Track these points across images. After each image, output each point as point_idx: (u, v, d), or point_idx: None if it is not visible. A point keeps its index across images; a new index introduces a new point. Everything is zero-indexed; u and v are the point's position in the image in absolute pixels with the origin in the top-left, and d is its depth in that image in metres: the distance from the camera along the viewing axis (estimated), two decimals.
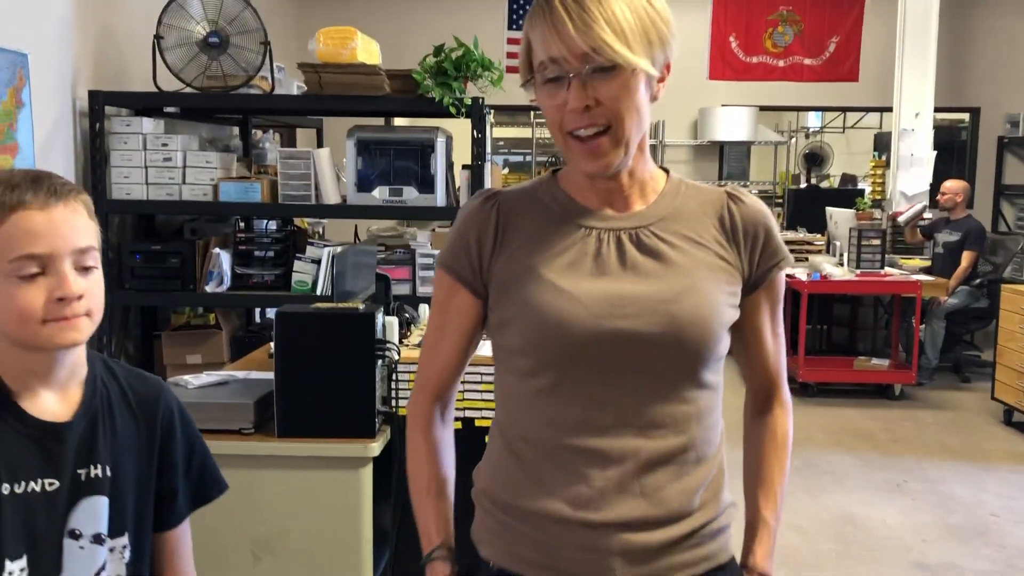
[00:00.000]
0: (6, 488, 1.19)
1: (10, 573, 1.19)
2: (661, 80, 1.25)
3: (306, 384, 2.38)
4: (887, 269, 6.50)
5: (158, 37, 4.25)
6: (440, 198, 4.25)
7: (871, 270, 6.37)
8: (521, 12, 7.80)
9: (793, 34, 8.17)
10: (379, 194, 4.24)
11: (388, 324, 2.55)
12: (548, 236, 1.29)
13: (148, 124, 4.30)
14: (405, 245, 4.52)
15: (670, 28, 1.24)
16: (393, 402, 2.54)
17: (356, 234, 4.93)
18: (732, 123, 8.00)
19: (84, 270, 1.22)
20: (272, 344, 3.34)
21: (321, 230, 5.41)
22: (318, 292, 4.26)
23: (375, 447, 2.42)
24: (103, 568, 1.27)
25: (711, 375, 1.28)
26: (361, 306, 2.44)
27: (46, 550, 1.22)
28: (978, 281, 6.82)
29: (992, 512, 4.27)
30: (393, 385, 2.54)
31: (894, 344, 6.76)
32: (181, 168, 4.28)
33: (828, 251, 7.12)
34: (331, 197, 4.33)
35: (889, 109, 7.59)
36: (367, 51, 4.22)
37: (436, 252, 4.28)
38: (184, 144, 4.32)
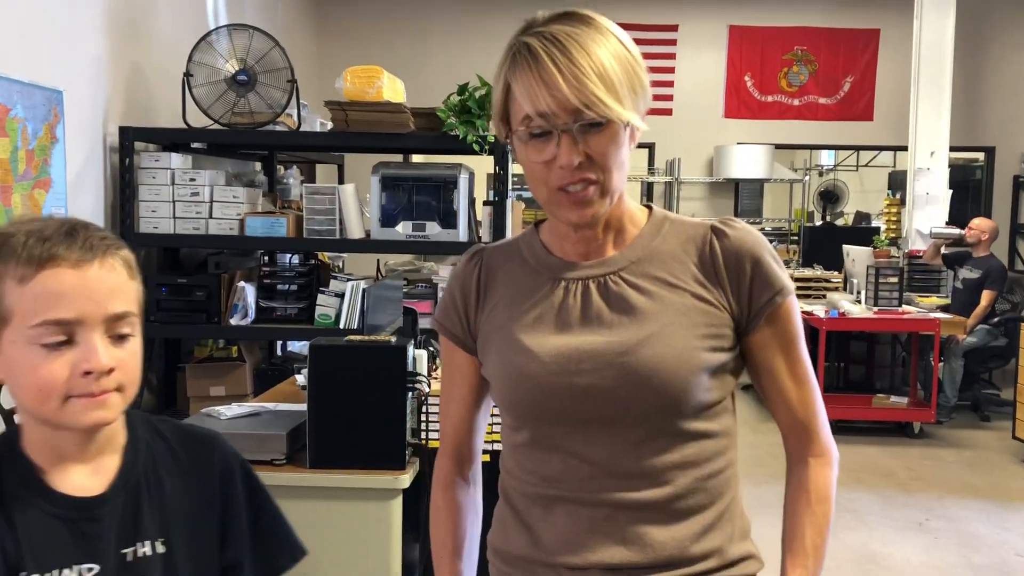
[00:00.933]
0: None
1: None
2: (634, 140, 1.22)
3: (338, 415, 2.41)
4: (905, 307, 6.51)
5: (187, 75, 4.34)
6: (463, 233, 4.30)
7: (889, 308, 6.38)
8: None
9: (808, 73, 8.25)
10: (402, 229, 4.29)
11: (418, 357, 2.58)
12: (522, 290, 1.28)
13: (176, 159, 4.38)
14: (427, 279, 4.57)
15: (646, 73, 1.21)
16: (423, 434, 2.57)
17: (379, 268, 4.98)
18: (747, 161, 8.06)
19: (118, 339, 1.06)
20: (297, 376, 3.39)
21: (341, 264, 5.47)
22: (341, 325, 4.30)
23: (405, 479, 2.44)
24: None
25: (698, 423, 1.22)
26: (393, 339, 2.48)
27: None
28: (996, 320, 6.81)
29: (1017, 552, 4.24)
30: (423, 417, 2.57)
31: (912, 382, 6.75)
32: (208, 203, 4.35)
33: (845, 288, 7.14)
34: (355, 232, 4.39)
35: (903, 148, 7.64)
36: (392, 89, 4.30)
37: None
38: (211, 179, 4.39)
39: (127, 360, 1.07)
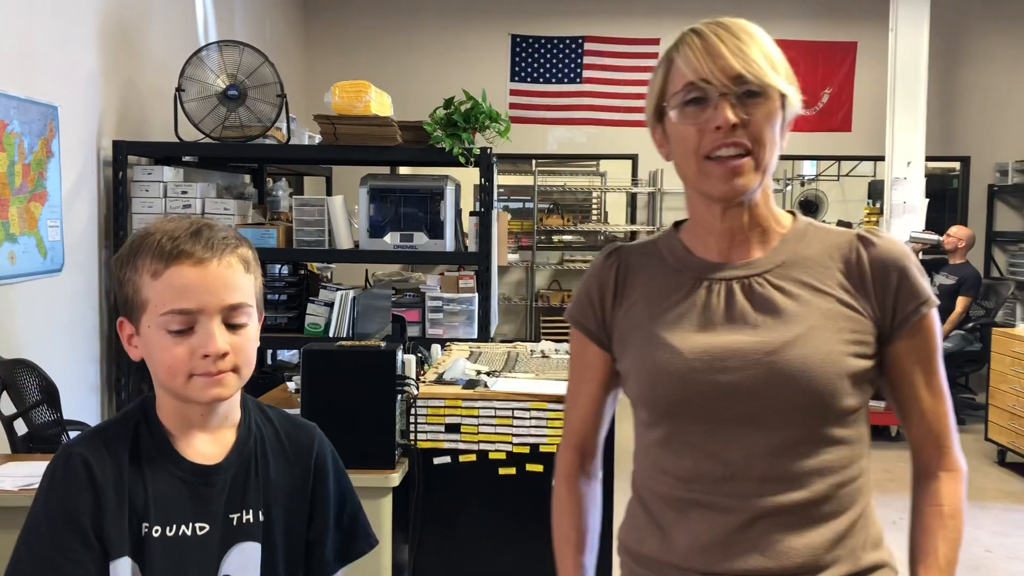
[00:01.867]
0: (157, 531, 1.19)
1: None
2: (787, 128, 1.25)
3: (330, 417, 2.50)
4: None
5: (179, 90, 4.45)
6: (449, 243, 4.43)
7: None
8: (523, 65, 8.05)
9: None
10: (391, 239, 4.41)
11: (406, 361, 2.69)
12: (662, 289, 1.29)
13: (168, 172, 4.48)
14: (414, 289, 4.68)
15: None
16: (412, 435, 2.67)
17: (367, 278, 5.09)
18: None
19: (234, 326, 1.21)
20: (288, 383, 3.50)
21: (330, 274, 5.57)
22: (331, 334, 4.40)
23: (395, 477, 2.55)
24: None
25: (839, 430, 1.23)
26: (382, 344, 2.59)
27: None
28: (971, 325, 6.98)
29: (986, 548, 4.39)
30: (411, 419, 2.68)
31: None
32: (200, 215, 4.45)
33: None
34: (344, 242, 4.50)
35: (881, 158, 7.79)
36: (380, 103, 4.42)
37: (446, 295, 4.44)
38: (203, 192, 4.49)
39: (242, 345, 1.21)
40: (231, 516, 1.24)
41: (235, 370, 1.21)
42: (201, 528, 1.22)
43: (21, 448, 3.07)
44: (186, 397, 1.21)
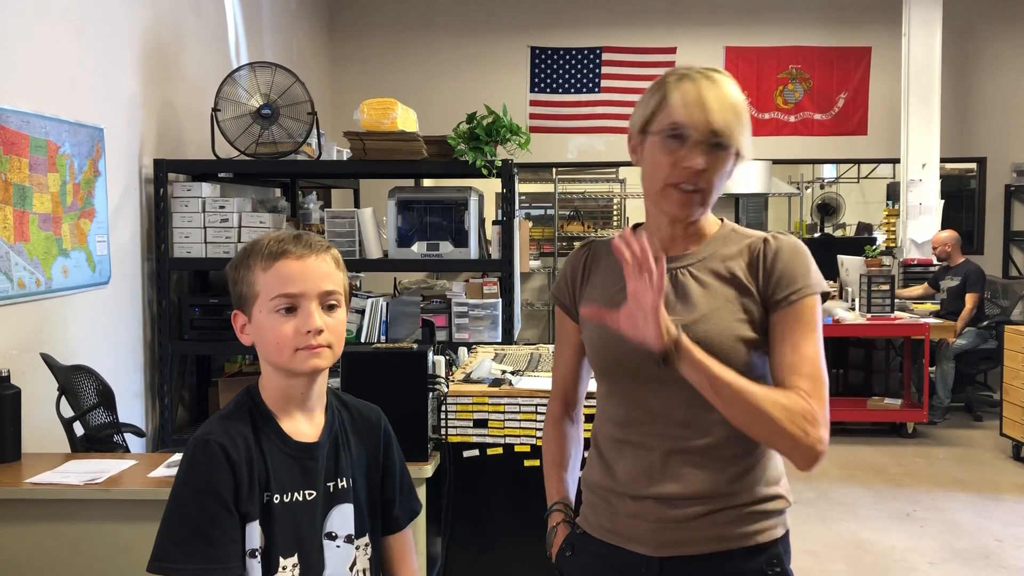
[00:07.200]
0: (277, 498, 1.44)
1: (284, 568, 1.44)
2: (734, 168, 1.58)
3: None
4: (897, 313, 6.78)
5: (215, 109, 4.68)
6: (474, 251, 4.63)
7: (881, 314, 6.66)
8: (542, 76, 8.25)
9: (803, 91, 8.55)
10: (418, 249, 4.62)
11: (437, 362, 2.90)
12: (614, 276, 1.62)
13: (207, 188, 4.71)
14: (441, 295, 4.88)
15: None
16: (443, 430, 2.87)
17: (396, 286, 5.30)
18: (747, 176, 8.36)
19: (328, 309, 1.47)
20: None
21: (359, 283, 5.79)
22: (362, 340, 4.61)
23: (428, 468, 2.75)
24: (354, 563, 1.52)
25: None
26: (414, 346, 2.79)
27: (311, 549, 1.47)
28: (986, 323, 7.10)
29: (996, 538, 4.52)
30: (442, 415, 2.87)
31: (906, 384, 7.02)
32: (237, 228, 4.68)
33: (841, 296, 7.42)
34: (374, 252, 4.72)
35: (897, 160, 7.92)
36: (406, 119, 4.63)
37: (471, 301, 4.64)
38: (239, 206, 4.72)
39: (334, 325, 1.48)
40: (328, 484, 1.51)
41: (329, 346, 1.46)
42: (310, 495, 1.48)
43: (80, 448, 3.30)
44: (290, 368, 1.45)
